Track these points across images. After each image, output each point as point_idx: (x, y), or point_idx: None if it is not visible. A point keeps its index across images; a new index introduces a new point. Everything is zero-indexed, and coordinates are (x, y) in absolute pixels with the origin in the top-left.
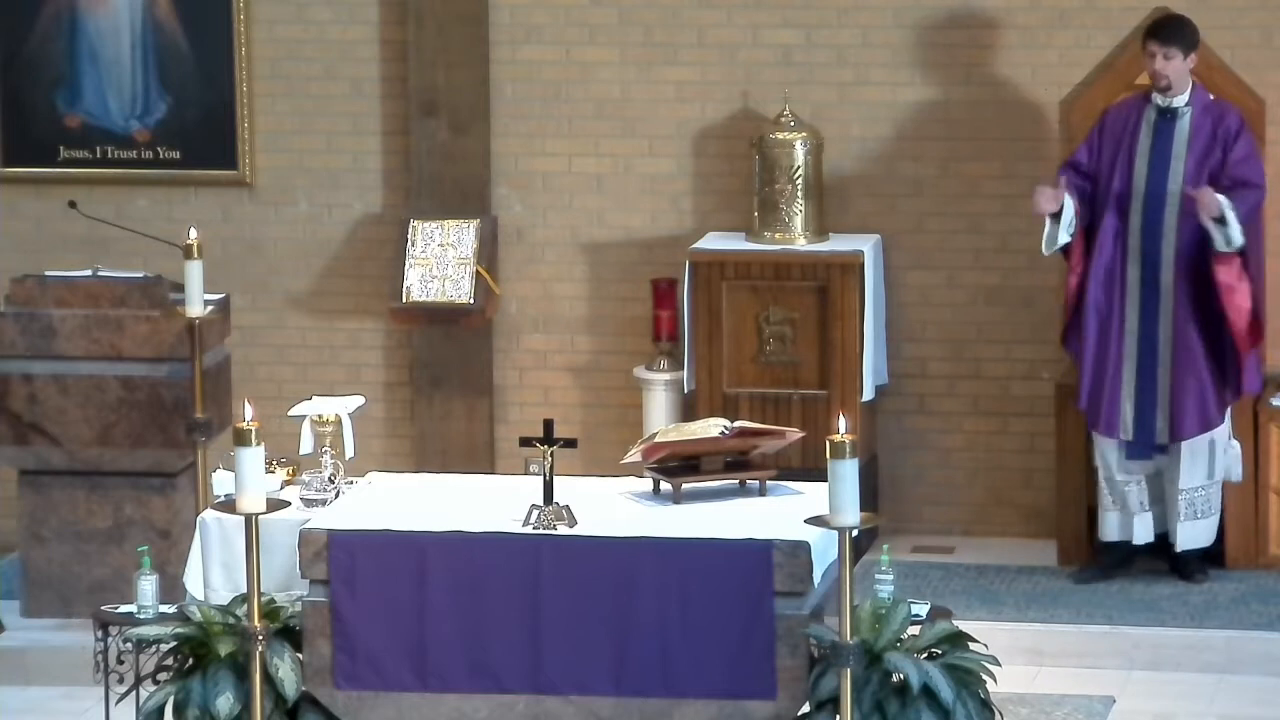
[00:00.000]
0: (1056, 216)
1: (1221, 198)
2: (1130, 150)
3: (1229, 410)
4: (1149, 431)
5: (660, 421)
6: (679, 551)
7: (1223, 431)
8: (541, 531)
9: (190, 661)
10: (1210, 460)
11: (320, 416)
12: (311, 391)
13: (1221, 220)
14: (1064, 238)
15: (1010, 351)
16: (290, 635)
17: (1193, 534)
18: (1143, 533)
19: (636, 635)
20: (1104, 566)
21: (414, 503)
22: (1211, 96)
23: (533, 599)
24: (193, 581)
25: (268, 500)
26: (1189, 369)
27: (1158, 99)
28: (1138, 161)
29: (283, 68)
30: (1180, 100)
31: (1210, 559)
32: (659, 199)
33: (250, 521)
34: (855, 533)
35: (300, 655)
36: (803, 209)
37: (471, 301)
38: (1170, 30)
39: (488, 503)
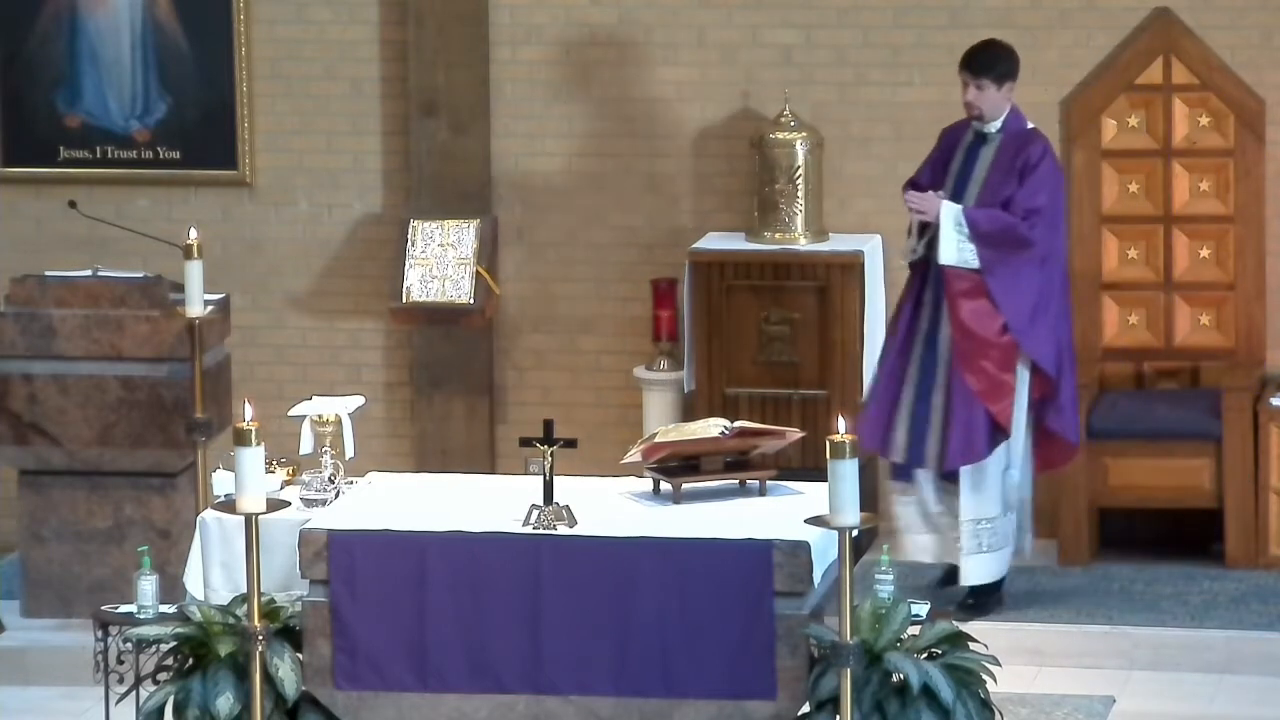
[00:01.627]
0: (925, 228)
1: (950, 208)
2: (945, 173)
3: (1018, 441)
4: (919, 457)
5: (660, 421)
6: (679, 551)
7: (1016, 460)
8: (541, 531)
9: (190, 661)
10: (1003, 492)
11: (320, 416)
12: (311, 391)
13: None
14: (921, 250)
15: None
16: (290, 635)
17: (980, 568)
18: (920, 552)
19: (636, 635)
20: None
21: (414, 503)
22: (1030, 125)
23: (533, 599)
24: (193, 581)
25: (268, 500)
26: (962, 398)
27: (975, 124)
28: (947, 184)
29: (283, 68)
30: (993, 126)
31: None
32: (659, 199)
33: (250, 521)
34: (855, 533)
35: (300, 655)
36: (803, 209)
37: (471, 301)
38: (981, 63)
39: (488, 503)
